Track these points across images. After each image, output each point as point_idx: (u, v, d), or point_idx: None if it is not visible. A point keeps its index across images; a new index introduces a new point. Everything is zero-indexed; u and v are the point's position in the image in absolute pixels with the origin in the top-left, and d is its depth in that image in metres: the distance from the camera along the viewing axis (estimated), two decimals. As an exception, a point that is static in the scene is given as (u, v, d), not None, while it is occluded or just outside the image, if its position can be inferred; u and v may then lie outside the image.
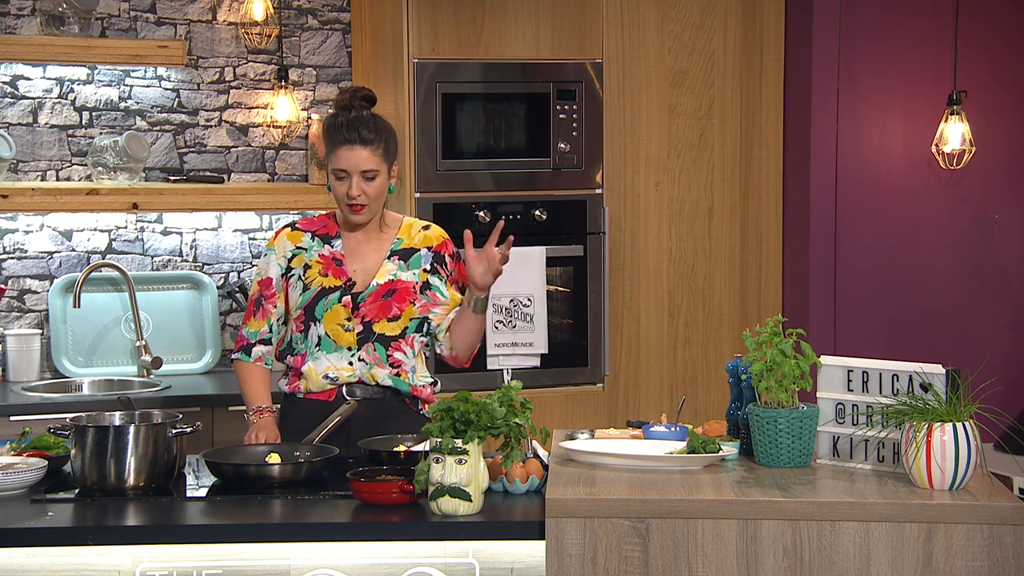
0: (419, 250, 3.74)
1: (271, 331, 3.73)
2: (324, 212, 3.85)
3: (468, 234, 3.64)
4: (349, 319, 3.66)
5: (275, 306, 3.72)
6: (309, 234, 3.74)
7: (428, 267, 3.73)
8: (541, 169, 5.05)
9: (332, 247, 3.72)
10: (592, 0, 5.05)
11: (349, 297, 3.66)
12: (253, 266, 5.30)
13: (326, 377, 3.67)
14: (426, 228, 3.79)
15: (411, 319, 3.69)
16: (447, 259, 3.77)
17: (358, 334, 3.66)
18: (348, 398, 3.66)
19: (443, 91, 4.90)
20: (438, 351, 3.79)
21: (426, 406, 3.71)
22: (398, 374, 3.69)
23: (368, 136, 3.59)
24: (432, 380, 3.76)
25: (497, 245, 3.61)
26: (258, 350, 3.73)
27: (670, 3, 5.14)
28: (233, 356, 3.77)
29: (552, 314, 5.03)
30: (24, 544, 2.94)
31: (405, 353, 3.70)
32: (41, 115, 5.09)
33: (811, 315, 5.17)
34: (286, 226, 3.77)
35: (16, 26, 5.04)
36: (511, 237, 3.62)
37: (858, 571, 2.89)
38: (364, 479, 3.09)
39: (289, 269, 3.71)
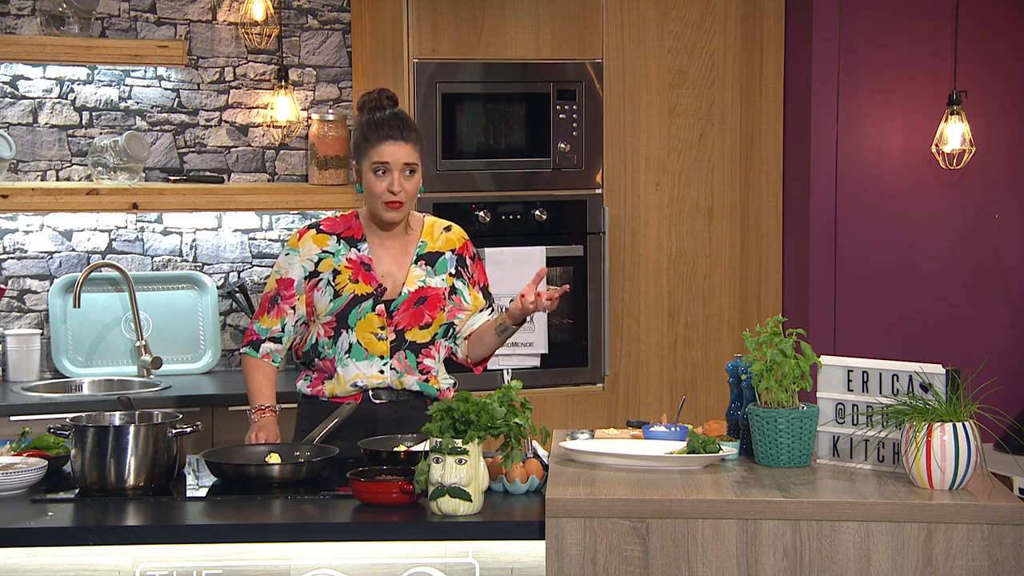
0: (443, 254, 3.73)
1: (283, 331, 3.69)
2: (344, 213, 3.80)
3: (543, 271, 3.66)
4: (383, 328, 3.65)
5: (293, 308, 3.68)
6: (335, 237, 3.69)
7: (453, 271, 3.73)
8: (541, 169, 5.05)
9: (359, 251, 3.68)
10: (592, 0, 5.05)
11: (383, 306, 3.64)
12: (253, 266, 5.29)
13: (354, 385, 3.65)
14: (447, 229, 3.77)
15: (440, 325, 3.70)
16: (468, 261, 3.77)
17: (391, 343, 3.66)
18: (375, 401, 3.66)
19: (443, 91, 4.90)
20: (453, 353, 3.80)
21: None
22: (427, 380, 3.69)
23: (409, 133, 3.61)
24: (453, 382, 3.77)
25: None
26: (267, 347, 3.70)
27: (670, 3, 5.14)
28: (241, 349, 3.73)
29: (552, 314, 5.02)
30: (24, 544, 2.94)
31: (434, 358, 3.71)
32: (41, 115, 5.09)
33: (811, 315, 5.17)
34: (310, 227, 3.71)
35: (16, 26, 5.04)
36: (566, 287, 3.64)
37: (858, 571, 2.89)
38: (364, 479, 3.09)
39: (316, 273, 3.67)
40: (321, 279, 3.66)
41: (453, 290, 3.71)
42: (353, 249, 3.68)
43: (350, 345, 3.64)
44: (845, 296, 5.22)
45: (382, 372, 3.65)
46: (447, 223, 3.80)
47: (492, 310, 3.81)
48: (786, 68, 5.29)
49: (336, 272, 3.65)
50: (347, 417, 3.58)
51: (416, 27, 4.87)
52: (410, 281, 3.68)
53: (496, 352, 4.85)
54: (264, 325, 3.69)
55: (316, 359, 3.70)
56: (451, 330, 3.72)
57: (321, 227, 3.71)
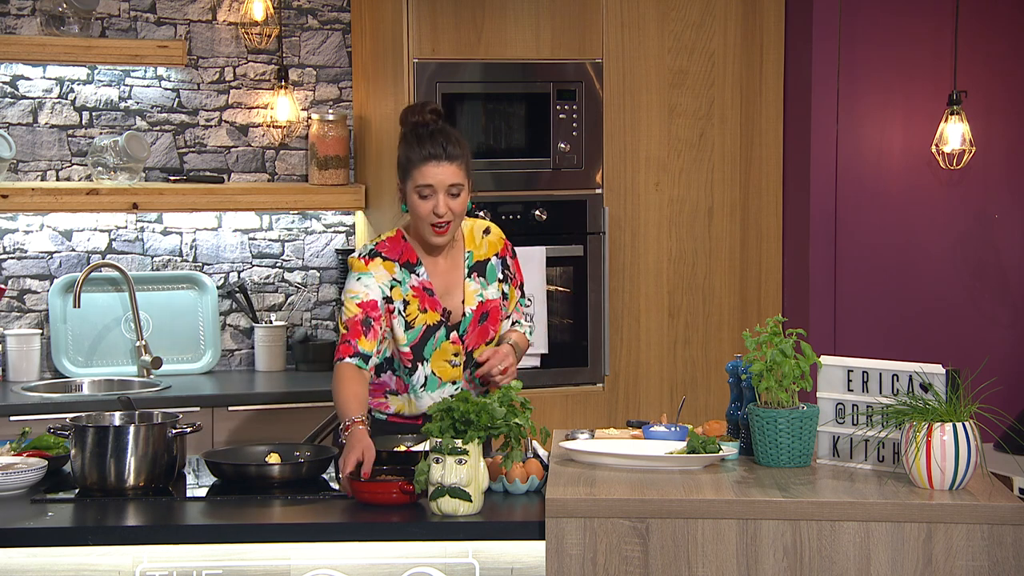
0: (489, 260, 3.68)
1: (382, 354, 3.59)
2: (389, 236, 3.65)
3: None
4: (456, 355, 3.61)
5: (382, 328, 3.54)
6: (398, 264, 3.58)
7: (501, 276, 3.70)
8: (541, 169, 5.05)
9: (419, 276, 3.59)
10: (592, 0, 5.05)
11: (457, 333, 3.60)
12: (253, 266, 5.29)
13: (424, 414, 3.61)
14: (487, 232, 3.71)
15: (499, 335, 3.70)
16: (509, 262, 3.73)
17: (464, 366, 3.64)
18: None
19: (443, 91, 4.90)
20: None
21: None
22: (487, 391, 3.63)
23: (454, 151, 3.49)
24: None
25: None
26: (372, 362, 3.53)
27: (670, 3, 5.14)
28: (346, 359, 3.46)
29: (552, 314, 5.02)
30: (24, 544, 2.94)
31: None
32: (41, 115, 5.09)
33: (811, 315, 5.17)
34: (372, 256, 3.58)
35: (16, 26, 5.04)
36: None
37: (858, 571, 2.90)
38: (364, 479, 3.09)
39: (390, 299, 3.56)
40: (395, 306, 3.57)
41: (504, 296, 3.70)
42: (413, 275, 3.59)
43: (425, 378, 3.60)
44: (845, 296, 5.22)
45: (453, 397, 3.58)
46: (484, 224, 3.73)
47: (509, 317, 3.75)
48: (786, 68, 5.29)
49: (406, 303, 3.57)
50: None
51: (416, 27, 4.87)
52: (469, 299, 3.62)
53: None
54: (367, 348, 3.48)
55: (383, 372, 3.63)
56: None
57: (384, 255, 3.59)
